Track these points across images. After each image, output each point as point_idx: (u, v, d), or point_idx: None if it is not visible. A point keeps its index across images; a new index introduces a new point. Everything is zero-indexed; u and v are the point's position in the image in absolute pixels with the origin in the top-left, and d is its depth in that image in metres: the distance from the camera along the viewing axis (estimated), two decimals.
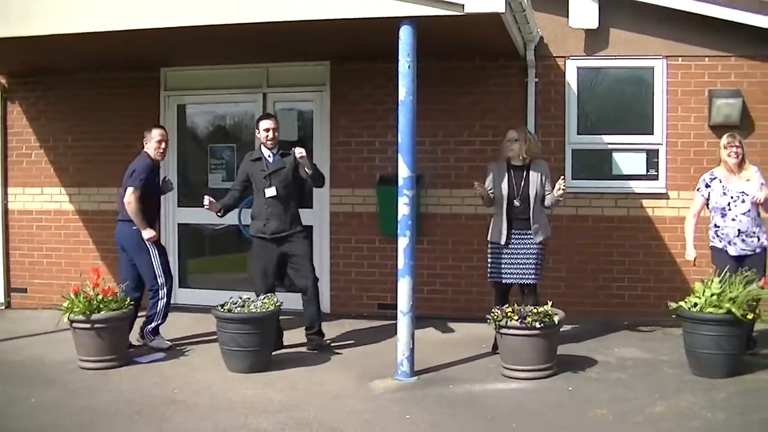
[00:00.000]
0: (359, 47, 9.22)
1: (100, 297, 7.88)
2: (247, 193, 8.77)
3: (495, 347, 7.99)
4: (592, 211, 9.80)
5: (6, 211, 11.40)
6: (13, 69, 10.93)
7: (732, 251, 7.89)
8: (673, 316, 7.58)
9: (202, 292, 10.54)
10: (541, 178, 8.08)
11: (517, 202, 8.05)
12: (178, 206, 10.75)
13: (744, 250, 7.85)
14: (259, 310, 7.76)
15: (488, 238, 8.25)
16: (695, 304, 7.34)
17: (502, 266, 8.09)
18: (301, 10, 7.34)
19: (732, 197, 7.89)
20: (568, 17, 9.51)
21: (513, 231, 8.07)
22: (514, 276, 8.09)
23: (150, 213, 8.63)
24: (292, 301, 8.85)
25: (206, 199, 8.46)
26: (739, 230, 7.86)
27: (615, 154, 9.77)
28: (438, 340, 9.00)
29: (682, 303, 7.47)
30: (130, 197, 8.37)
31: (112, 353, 7.92)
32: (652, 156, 9.68)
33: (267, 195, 8.33)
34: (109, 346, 7.90)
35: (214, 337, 8.07)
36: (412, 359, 7.47)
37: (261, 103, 10.55)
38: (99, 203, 10.81)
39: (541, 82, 9.80)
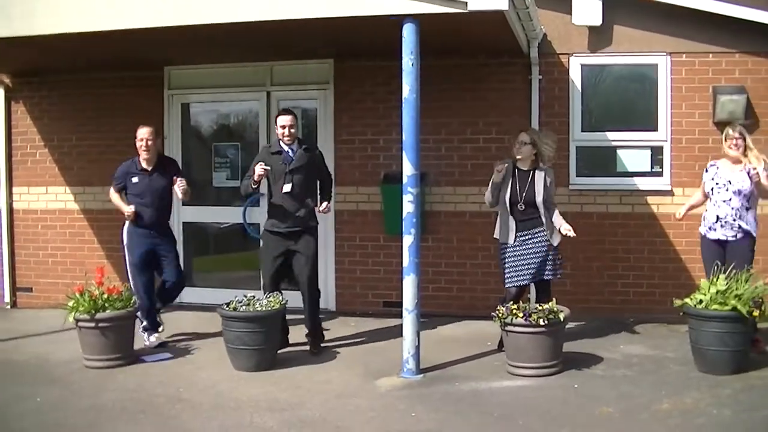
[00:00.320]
0: (363, 45, 9.21)
1: (105, 296, 7.89)
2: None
3: (501, 345, 7.97)
4: (596, 208, 9.78)
5: (11, 211, 11.42)
6: (17, 68, 10.95)
7: (711, 236, 7.96)
8: (679, 313, 7.58)
9: (207, 291, 10.55)
10: (546, 183, 8.01)
11: (521, 207, 8.00)
12: (183, 205, 10.72)
13: (724, 235, 7.88)
14: (264, 309, 7.76)
15: (496, 237, 8.20)
16: (700, 301, 7.33)
17: (519, 268, 8.01)
18: (304, 8, 7.33)
19: (717, 183, 7.96)
20: (571, 14, 9.49)
21: (520, 233, 8.01)
22: (532, 276, 8.02)
23: (139, 212, 8.67)
24: (300, 299, 8.80)
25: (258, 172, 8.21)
26: (717, 216, 7.91)
27: (619, 151, 9.76)
28: (443, 337, 9.00)
29: (687, 300, 7.46)
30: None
31: (117, 352, 7.93)
32: (656, 153, 9.67)
33: (285, 190, 8.24)
34: (114, 345, 7.91)
35: (220, 335, 8.06)
36: (418, 357, 7.48)
37: (265, 102, 10.56)
38: (104, 202, 10.75)
39: (545, 79, 9.78)
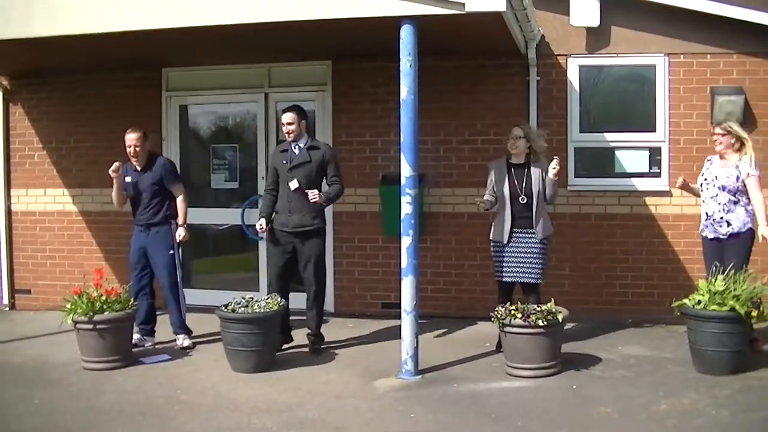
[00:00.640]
0: (361, 46, 9.22)
1: (103, 298, 7.89)
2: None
3: (499, 346, 7.98)
4: (595, 209, 9.79)
5: (9, 213, 11.41)
6: (15, 70, 10.94)
7: (707, 234, 7.97)
8: (677, 314, 7.58)
9: (205, 293, 10.51)
10: (542, 175, 8.05)
11: (522, 200, 8.02)
12: None
13: (715, 232, 7.88)
14: (262, 311, 7.76)
15: (490, 237, 8.23)
16: (699, 302, 7.33)
17: (504, 264, 8.07)
18: (302, 10, 7.34)
19: (706, 179, 7.97)
20: (569, 15, 9.50)
21: (515, 229, 8.05)
22: (516, 275, 8.07)
23: (135, 212, 8.78)
24: (301, 299, 8.77)
25: (260, 226, 8.41)
26: (707, 213, 7.92)
27: (617, 152, 9.77)
28: (442, 338, 9.01)
29: (685, 300, 7.46)
30: None
31: (115, 354, 7.93)
32: (654, 153, 9.67)
33: (292, 187, 8.23)
34: (113, 347, 7.91)
35: (218, 337, 8.06)
36: (416, 358, 7.48)
37: (263, 103, 10.56)
38: (102, 204, 10.79)
39: (543, 80, 9.79)
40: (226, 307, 7.82)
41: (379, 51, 8.79)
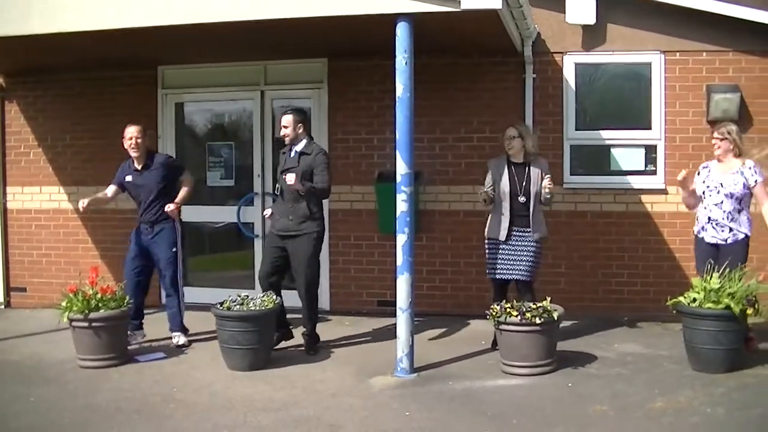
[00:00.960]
0: (357, 44, 9.21)
1: (98, 296, 7.88)
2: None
3: (495, 343, 7.98)
4: (590, 206, 9.79)
5: (5, 210, 11.40)
6: (11, 68, 10.92)
7: (706, 237, 7.91)
8: (673, 312, 7.58)
9: (201, 290, 10.48)
10: (542, 175, 8.05)
11: (522, 199, 8.02)
12: None
13: (715, 237, 7.84)
14: (258, 308, 7.76)
15: (486, 234, 8.22)
16: (694, 300, 7.34)
17: (498, 262, 8.06)
18: (298, 7, 7.32)
19: (708, 186, 7.89)
20: (565, 13, 9.50)
21: (514, 228, 8.04)
22: (509, 273, 8.06)
23: (139, 211, 8.79)
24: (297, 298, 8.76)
25: (268, 212, 8.53)
26: (709, 218, 7.87)
27: (613, 150, 9.77)
28: (438, 336, 9.00)
29: (681, 298, 7.47)
30: None
31: (111, 352, 7.92)
32: (650, 151, 9.68)
33: (276, 192, 8.27)
34: (109, 345, 7.90)
35: (214, 335, 8.06)
36: (412, 356, 7.48)
37: (259, 101, 10.56)
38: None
39: (539, 78, 9.79)
40: (221, 305, 7.81)
41: (375, 49, 8.78)
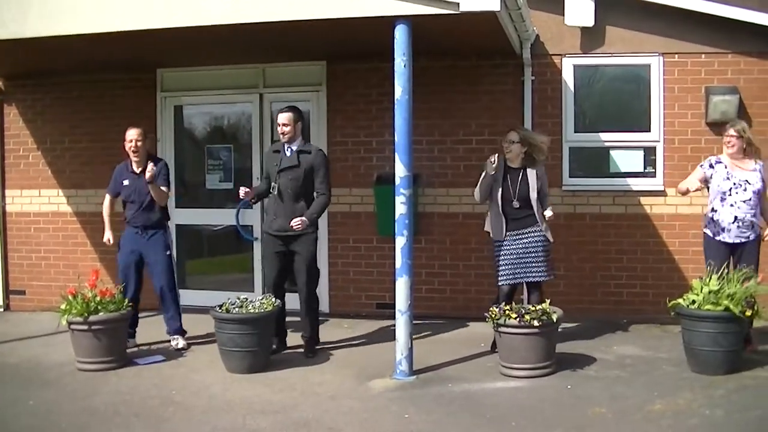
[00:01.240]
0: (355, 47, 9.21)
1: (97, 298, 7.88)
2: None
3: (494, 346, 7.98)
4: (589, 209, 9.79)
5: (4, 213, 11.40)
6: (10, 71, 10.92)
7: (726, 238, 7.83)
8: (672, 314, 7.57)
9: (200, 293, 10.49)
10: (538, 181, 8.04)
11: (515, 204, 8.02)
12: (176, 207, 10.72)
13: (738, 237, 7.80)
14: (257, 311, 7.75)
15: (488, 231, 8.21)
16: (693, 302, 7.33)
17: (508, 267, 8.04)
18: (296, 10, 7.33)
19: (735, 183, 7.81)
20: (564, 15, 9.49)
21: (509, 232, 8.03)
22: (519, 276, 8.06)
23: (130, 214, 8.73)
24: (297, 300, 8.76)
25: (242, 190, 8.33)
26: (735, 217, 7.78)
27: (612, 152, 9.77)
28: (436, 339, 9.00)
29: (680, 300, 7.47)
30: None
31: (110, 355, 7.92)
32: (649, 153, 9.68)
33: (274, 192, 8.22)
34: (107, 348, 7.89)
35: (213, 338, 8.06)
36: (411, 358, 7.47)
37: (258, 104, 10.55)
38: (96, 205, 10.69)
39: (538, 80, 9.79)
40: (220, 308, 7.80)
41: (373, 51, 8.78)
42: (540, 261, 8.04)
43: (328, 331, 9.13)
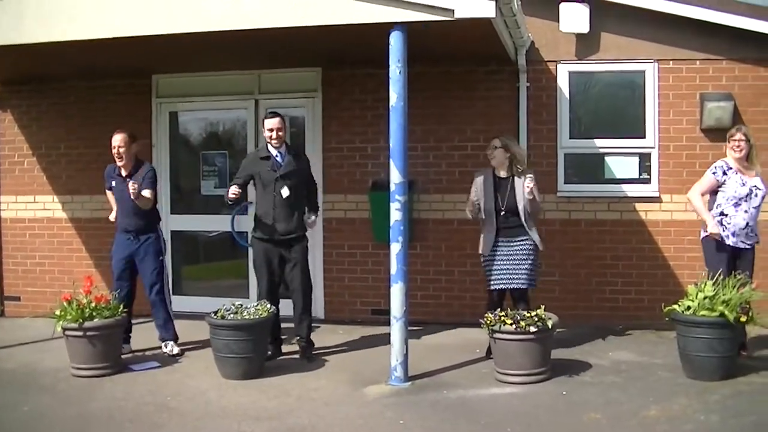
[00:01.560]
0: (350, 53, 9.23)
1: (92, 305, 7.87)
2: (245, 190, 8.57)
3: (489, 352, 7.98)
4: (585, 215, 9.80)
5: None
6: (5, 77, 10.91)
7: (732, 242, 7.81)
8: (667, 320, 7.58)
9: (195, 299, 10.49)
10: (524, 183, 8.03)
11: (504, 214, 8.01)
12: (171, 213, 10.73)
13: (744, 243, 7.81)
14: (252, 317, 7.75)
15: (479, 251, 8.22)
16: (688, 307, 7.34)
17: (494, 273, 8.05)
18: (292, 17, 7.34)
19: (750, 189, 7.82)
20: (559, 22, 9.50)
21: (500, 238, 8.02)
22: (505, 282, 8.06)
23: (118, 216, 8.76)
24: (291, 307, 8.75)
25: (232, 189, 8.17)
26: (747, 223, 7.80)
27: (607, 158, 9.78)
28: (432, 345, 9.00)
29: (675, 306, 7.47)
30: None
31: (105, 361, 7.90)
32: (644, 159, 9.69)
33: (284, 195, 8.19)
34: (102, 354, 7.88)
35: (208, 344, 8.04)
36: (406, 364, 7.47)
37: (253, 110, 10.55)
38: (92, 211, 10.79)
39: (533, 86, 9.81)
40: (215, 314, 7.80)
41: (369, 58, 8.79)
42: (524, 269, 8.00)
43: (324, 337, 9.13)
